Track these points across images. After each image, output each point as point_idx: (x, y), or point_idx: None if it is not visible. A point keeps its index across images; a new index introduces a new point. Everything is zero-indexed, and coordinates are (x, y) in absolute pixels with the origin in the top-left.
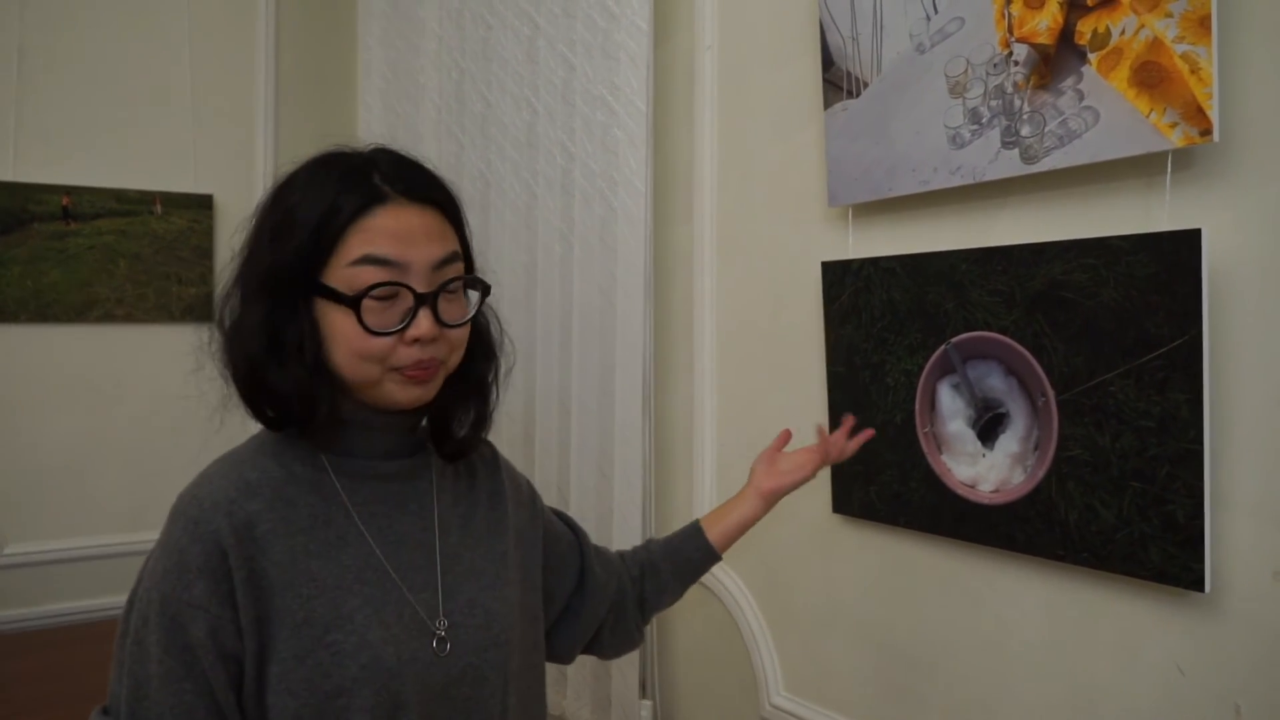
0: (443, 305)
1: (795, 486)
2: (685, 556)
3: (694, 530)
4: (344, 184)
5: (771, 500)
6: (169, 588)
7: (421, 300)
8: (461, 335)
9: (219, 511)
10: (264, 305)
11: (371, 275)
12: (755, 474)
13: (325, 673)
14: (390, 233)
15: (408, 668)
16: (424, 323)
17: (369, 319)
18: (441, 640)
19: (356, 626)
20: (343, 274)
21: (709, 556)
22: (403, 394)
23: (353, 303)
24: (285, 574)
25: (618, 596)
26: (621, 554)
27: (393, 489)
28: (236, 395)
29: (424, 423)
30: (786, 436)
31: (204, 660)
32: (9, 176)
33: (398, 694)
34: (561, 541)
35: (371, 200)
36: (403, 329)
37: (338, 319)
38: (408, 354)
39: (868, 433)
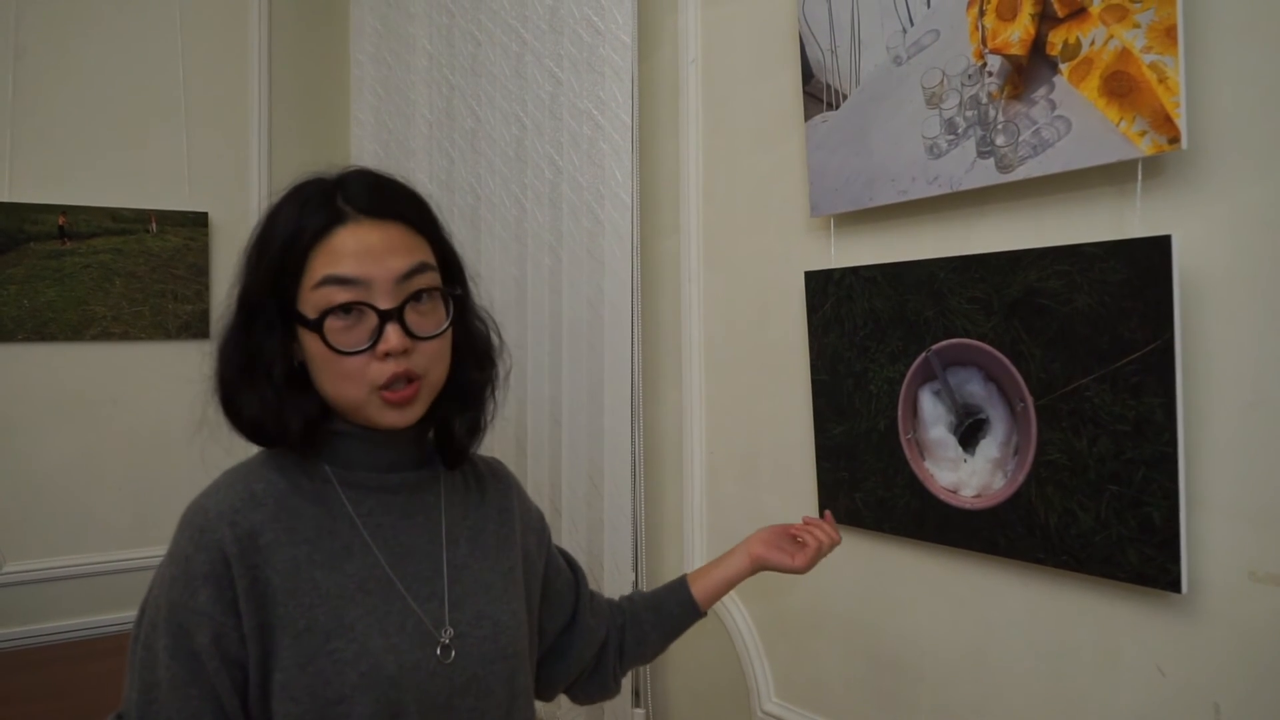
0: (414, 318)
1: (782, 569)
2: (668, 610)
3: (678, 584)
4: (307, 208)
5: (758, 566)
6: (175, 595)
7: (386, 316)
8: (439, 347)
9: (223, 521)
10: (242, 329)
11: (333, 295)
12: (754, 538)
13: (326, 680)
14: (350, 251)
15: (409, 676)
16: (392, 337)
17: (337, 339)
18: (446, 649)
19: (358, 635)
20: (309, 297)
21: (691, 611)
22: (383, 417)
23: (315, 326)
24: (288, 583)
25: (603, 643)
26: (610, 602)
27: (399, 500)
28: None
29: (430, 434)
30: (803, 525)
31: (209, 666)
32: (5, 197)
33: (397, 702)
34: (561, 577)
35: (332, 221)
36: (372, 345)
37: (312, 343)
38: (382, 369)
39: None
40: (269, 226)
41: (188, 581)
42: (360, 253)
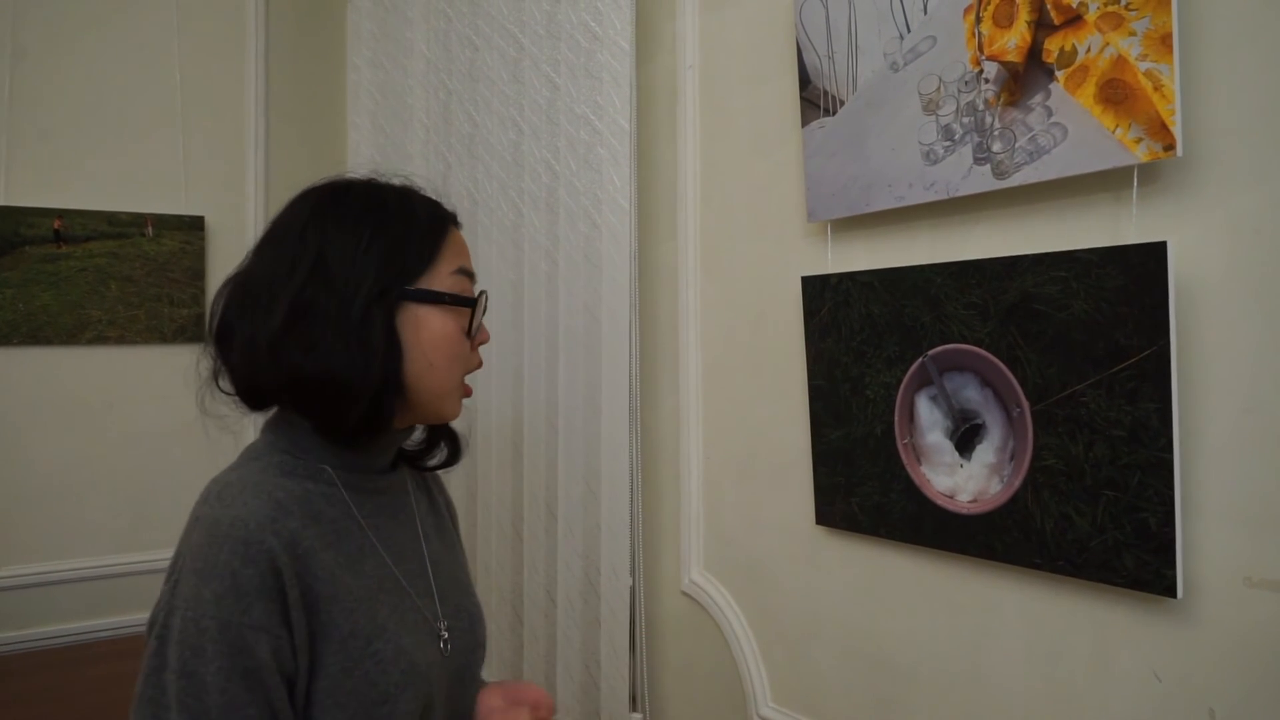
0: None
1: None
2: None
3: None
4: (432, 205)
5: None
6: (226, 613)
7: (484, 310)
8: None
9: (266, 531)
10: (360, 313)
11: (467, 285)
12: (497, 695)
13: (372, 682)
14: (465, 250)
15: (432, 670)
16: (485, 329)
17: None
18: (446, 641)
19: (391, 635)
20: (447, 282)
21: None
22: (456, 407)
23: (471, 304)
24: (328, 588)
25: None
26: None
27: (386, 501)
28: (289, 406)
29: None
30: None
31: (269, 681)
32: (1, 201)
33: (429, 695)
34: None
35: (451, 221)
36: (473, 334)
37: (441, 323)
38: (474, 359)
39: None
40: (374, 216)
41: (238, 597)
42: (467, 252)
